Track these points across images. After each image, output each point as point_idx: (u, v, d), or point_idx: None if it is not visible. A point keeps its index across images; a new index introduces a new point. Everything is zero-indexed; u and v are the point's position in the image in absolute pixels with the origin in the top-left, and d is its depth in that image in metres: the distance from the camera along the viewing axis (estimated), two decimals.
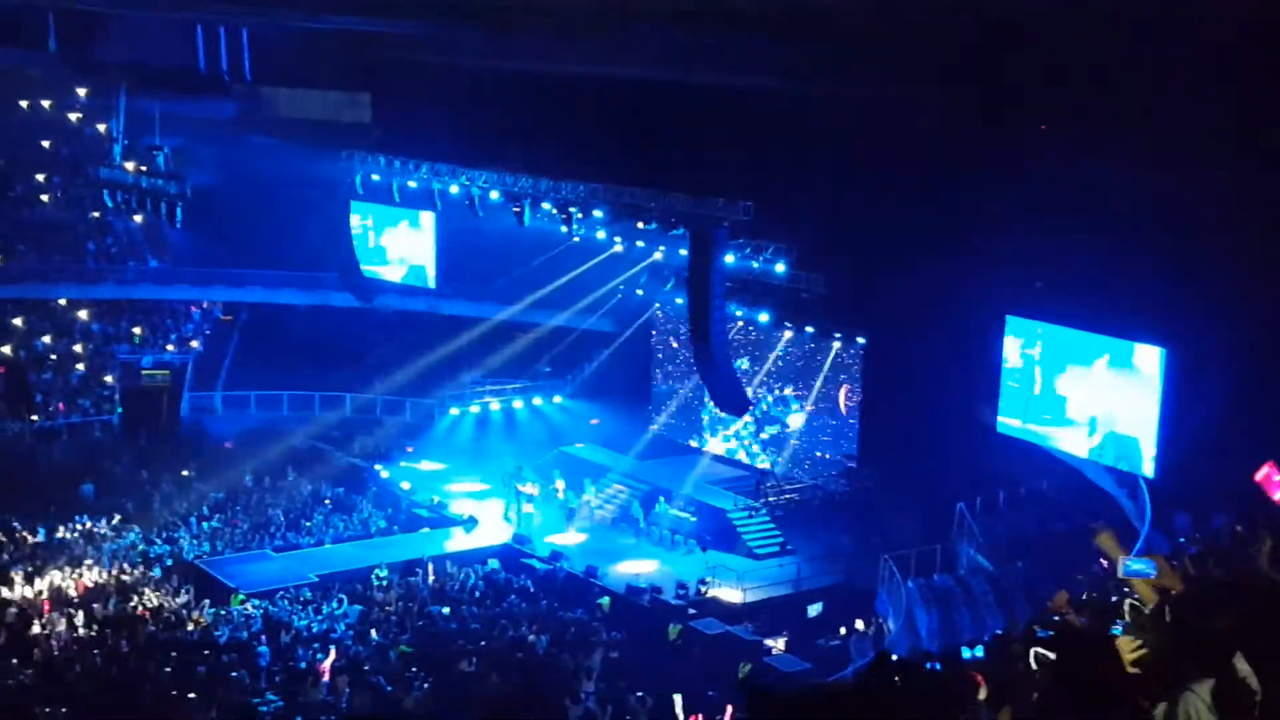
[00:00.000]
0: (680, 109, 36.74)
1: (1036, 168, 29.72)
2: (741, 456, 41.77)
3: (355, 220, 44.33)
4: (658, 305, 43.92)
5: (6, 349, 43.06)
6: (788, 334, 39.81)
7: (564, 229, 37.39)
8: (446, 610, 29.81)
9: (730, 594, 32.92)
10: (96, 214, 45.82)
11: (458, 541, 35.84)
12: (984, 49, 29.68)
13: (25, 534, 33.36)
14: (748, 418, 40.31)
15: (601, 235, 39.36)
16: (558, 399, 45.78)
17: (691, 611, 31.88)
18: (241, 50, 47.23)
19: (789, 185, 35.09)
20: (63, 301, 45.25)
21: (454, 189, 39.62)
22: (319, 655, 26.20)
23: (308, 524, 36.19)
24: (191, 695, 23.79)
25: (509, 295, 44.36)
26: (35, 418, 41.49)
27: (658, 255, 40.78)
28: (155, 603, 29.26)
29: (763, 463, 40.76)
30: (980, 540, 30.60)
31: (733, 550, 35.72)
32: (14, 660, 25.16)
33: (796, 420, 40.22)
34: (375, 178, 41.64)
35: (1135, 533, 27.10)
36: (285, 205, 42.63)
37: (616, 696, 24.97)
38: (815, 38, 30.90)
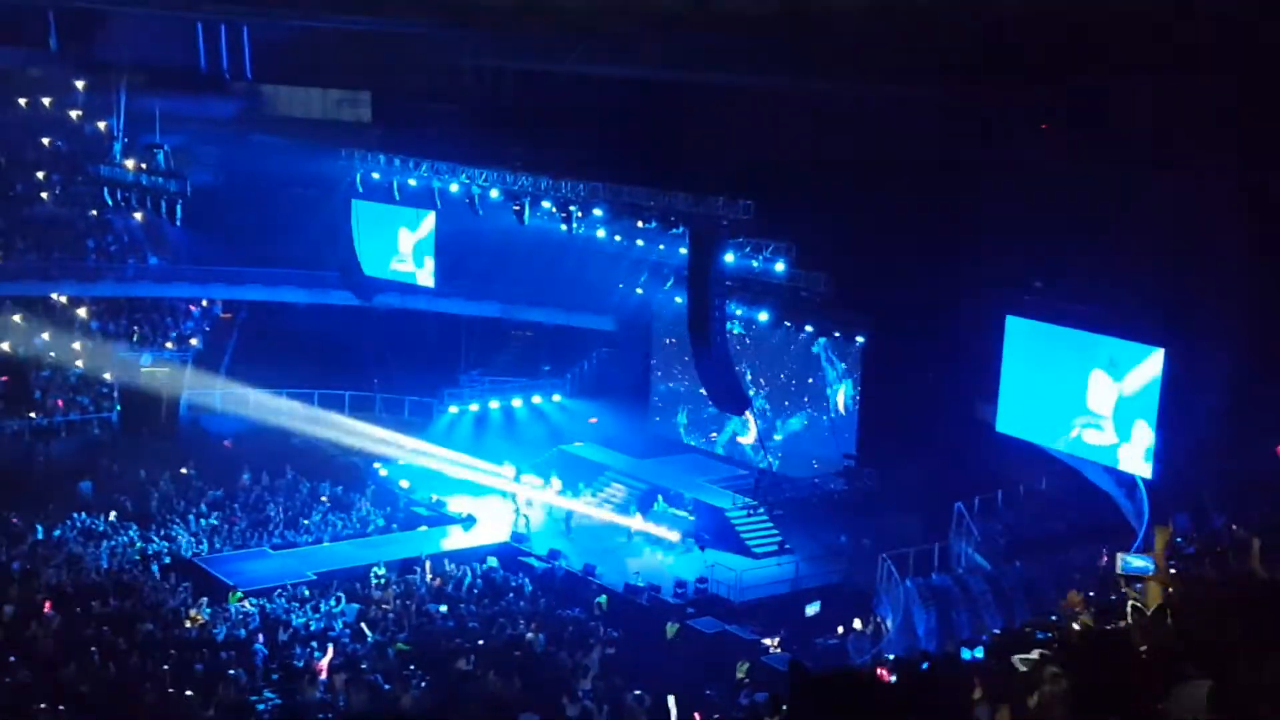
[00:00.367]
0: (680, 108, 36.80)
1: (1036, 168, 29.73)
2: (740, 455, 41.75)
3: (355, 218, 44.30)
4: (660, 311, 43.86)
5: (6, 346, 43.03)
6: (787, 333, 39.79)
7: (564, 228, 37.38)
8: (444, 608, 29.80)
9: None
10: (96, 212, 45.79)
11: (456, 540, 35.83)
12: (984, 47, 29.69)
13: (23, 531, 33.34)
14: (747, 416, 40.26)
15: (601, 234, 39.36)
16: (557, 397, 45.76)
17: (690, 610, 31.89)
18: (242, 49, 47.32)
19: (789, 184, 35.11)
20: (62, 299, 45.22)
21: (454, 187, 39.63)
22: (317, 653, 26.21)
23: (306, 522, 36.17)
24: (189, 693, 23.79)
25: (508, 294, 44.35)
26: (34, 415, 41.47)
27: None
28: (153, 600, 29.23)
29: (761, 462, 40.73)
30: (978, 540, 30.57)
31: (731, 549, 35.73)
32: (11, 658, 25.13)
33: (795, 419, 40.21)
34: (375, 176, 41.64)
35: (1134, 532, 27.10)
36: (285, 204, 42.63)
37: (614, 695, 24.97)
38: (815, 38, 30.92)
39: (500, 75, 41.87)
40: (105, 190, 40.42)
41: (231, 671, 25.13)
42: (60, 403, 42.30)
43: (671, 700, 20.35)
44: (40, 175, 47.20)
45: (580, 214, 37.06)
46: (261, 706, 24.16)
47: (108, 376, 43.57)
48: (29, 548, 32.38)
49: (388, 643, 27.39)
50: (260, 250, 44.30)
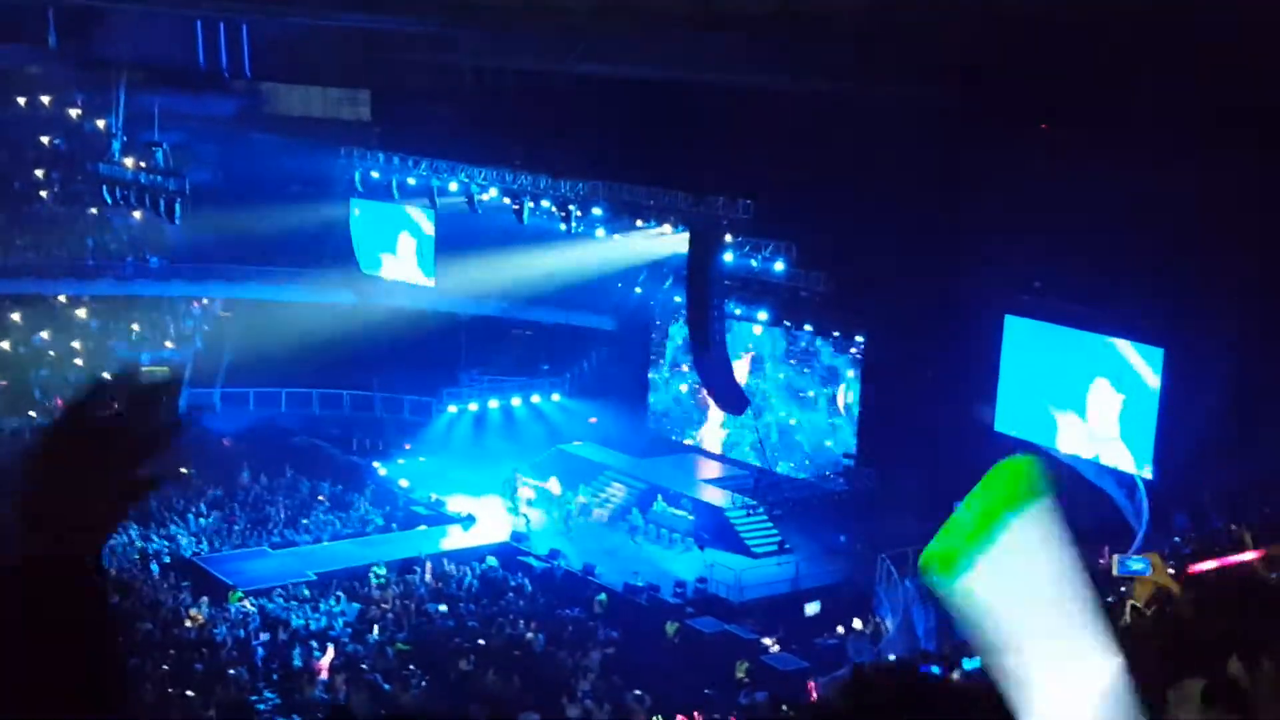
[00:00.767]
0: (680, 107, 36.71)
1: (1036, 168, 29.71)
2: (739, 455, 41.73)
3: (353, 217, 44.30)
4: (659, 310, 43.86)
5: (5, 344, 43.01)
6: (787, 332, 39.80)
7: (563, 227, 37.38)
8: (444, 608, 29.81)
9: None
10: (95, 210, 45.78)
11: (455, 539, 35.83)
12: (985, 47, 29.66)
13: None
14: (747, 416, 40.25)
15: (600, 233, 39.34)
16: (556, 397, 45.75)
17: (689, 610, 31.90)
18: (241, 47, 47.17)
19: (788, 184, 35.10)
20: (62, 298, 45.21)
21: (453, 186, 39.62)
22: (316, 653, 26.22)
23: (306, 521, 36.16)
24: (189, 693, 23.81)
25: (506, 293, 44.30)
26: (33, 414, 41.43)
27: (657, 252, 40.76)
28: (152, 600, 29.22)
29: (761, 462, 40.73)
30: None
31: (730, 549, 35.73)
32: None
33: (795, 419, 40.20)
34: (375, 175, 41.64)
35: (1133, 532, 27.11)
36: (284, 202, 42.61)
37: (614, 695, 25.00)
38: (816, 37, 30.90)
39: (500, 74, 41.78)
40: (104, 188, 40.40)
41: (231, 671, 25.16)
42: (59, 401, 42.26)
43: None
44: (39, 173, 47.20)
45: (579, 213, 37.06)
46: (262, 706, 24.19)
47: (107, 375, 43.44)
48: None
49: (387, 642, 27.42)
50: (259, 249, 44.27)
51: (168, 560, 32.57)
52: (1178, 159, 26.45)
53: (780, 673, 27.76)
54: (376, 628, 28.28)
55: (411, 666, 26.12)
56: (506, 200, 39.06)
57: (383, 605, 29.85)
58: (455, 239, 41.95)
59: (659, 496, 38.03)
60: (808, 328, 38.80)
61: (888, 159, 32.98)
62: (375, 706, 23.94)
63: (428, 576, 31.87)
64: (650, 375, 44.61)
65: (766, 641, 29.72)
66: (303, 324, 44.04)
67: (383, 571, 31.68)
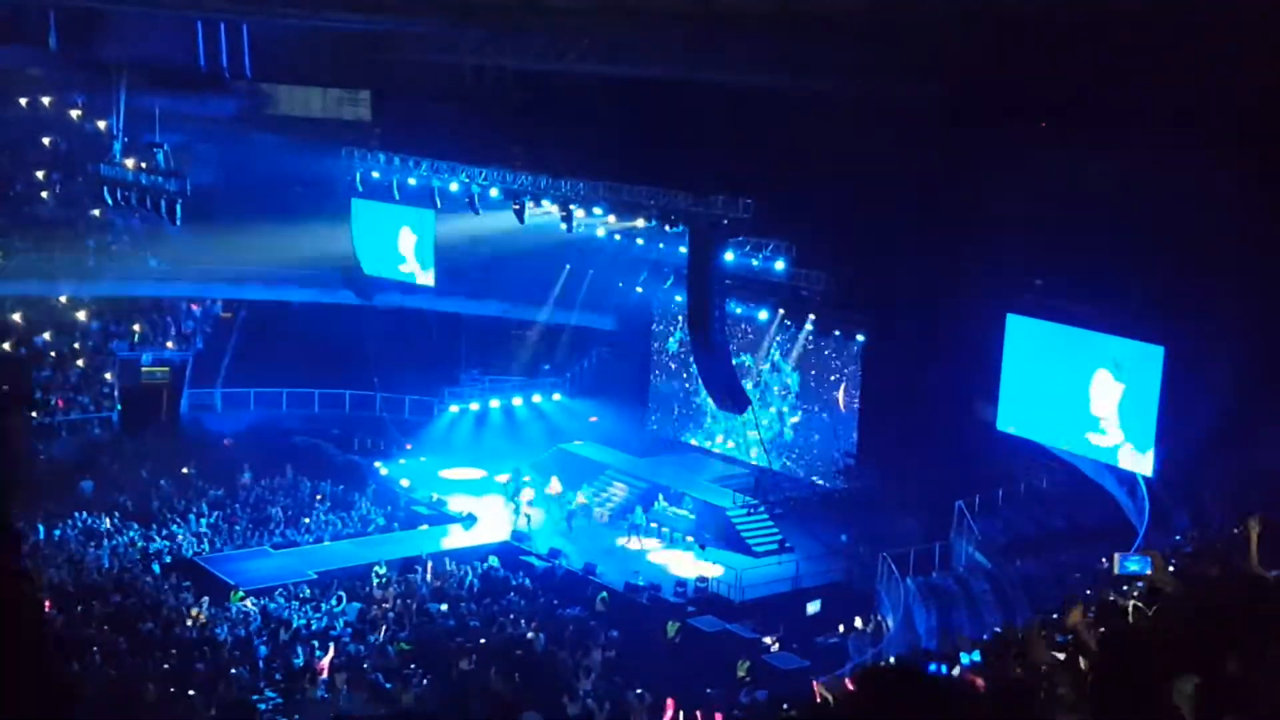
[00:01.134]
0: (680, 106, 36.71)
1: (1037, 166, 29.69)
2: (740, 454, 41.74)
3: (355, 217, 44.31)
4: (660, 310, 43.87)
5: (6, 345, 43.02)
6: (787, 331, 39.81)
7: (563, 226, 37.38)
8: (445, 608, 29.83)
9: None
10: (97, 211, 45.76)
11: (456, 539, 35.86)
12: (985, 47, 29.66)
13: (25, 530, 33.37)
14: (748, 415, 40.25)
15: (601, 233, 39.35)
16: (557, 396, 45.77)
17: (690, 609, 31.92)
18: (242, 47, 47.13)
19: (789, 183, 35.09)
20: (63, 299, 45.21)
21: (454, 186, 39.61)
22: (318, 652, 26.24)
23: (307, 521, 36.20)
24: (191, 693, 23.84)
25: (507, 293, 44.33)
26: (35, 414, 41.45)
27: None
28: (154, 600, 29.24)
29: (761, 460, 40.75)
30: (979, 538, 30.61)
31: (732, 548, 35.75)
32: None
33: (795, 418, 40.22)
34: (375, 175, 41.63)
35: (1134, 531, 27.13)
36: (285, 202, 42.59)
37: (615, 694, 25.02)
38: (816, 37, 30.89)
39: (500, 74, 41.79)
40: (105, 189, 40.38)
41: (233, 671, 25.19)
42: (61, 402, 42.30)
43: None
44: (40, 175, 47.19)
45: (580, 212, 37.06)
46: (263, 706, 24.21)
47: (108, 376, 43.58)
48: (30, 547, 32.39)
49: (389, 642, 27.44)
50: (260, 250, 44.27)
51: (169, 560, 32.64)
52: (1178, 157, 26.46)
53: (781, 671, 27.80)
54: (377, 627, 28.29)
55: (412, 666, 26.13)
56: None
57: (384, 605, 29.88)
58: (456, 238, 41.99)
59: (660, 495, 38.05)
60: (809, 326, 38.82)
61: (888, 158, 32.98)
62: (376, 706, 23.97)
63: (429, 576, 31.89)
64: (652, 375, 44.62)
65: (767, 640, 29.75)
66: (303, 324, 44.08)
67: (384, 571, 31.72)
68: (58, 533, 33.50)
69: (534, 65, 38.07)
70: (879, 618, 29.95)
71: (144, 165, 39.40)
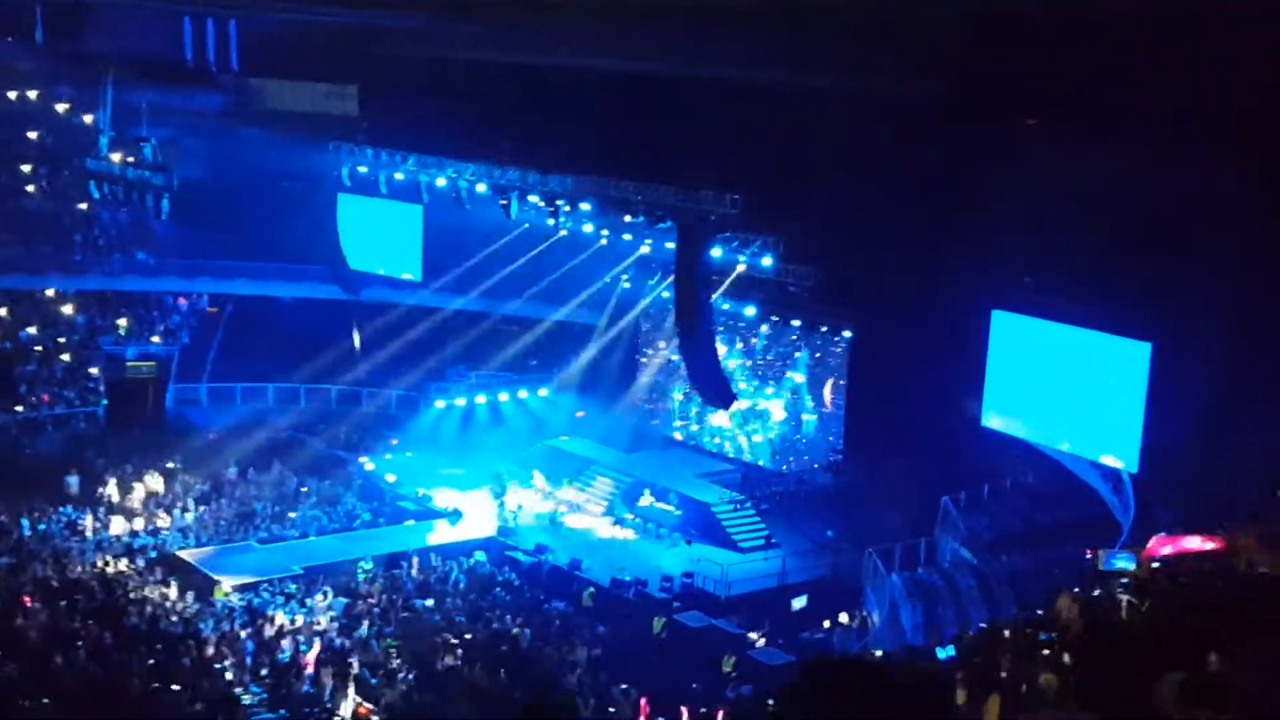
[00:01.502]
0: (668, 102, 36.74)
1: (1025, 163, 29.76)
2: (727, 450, 41.78)
3: (341, 212, 44.27)
4: (645, 300, 43.88)
5: None
6: (774, 327, 39.86)
7: (551, 221, 37.36)
8: (430, 603, 29.80)
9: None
10: (83, 205, 45.68)
11: (442, 534, 35.82)
12: (974, 45, 29.71)
13: (9, 525, 33.25)
14: (735, 407, 40.25)
15: (589, 228, 39.33)
16: (543, 392, 45.74)
17: (676, 605, 31.93)
18: (229, 42, 47.15)
19: (777, 179, 35.11)
20: (49, 292, 45.10)
21: (441, 181, 39.56)
22: (303, 647, 26.20)
23: (292, 516, 36.12)
24: (175, 687, 23.77)
25: (494, 288, 44.30)
26: (20, 409, 41.35)
27: (644, 248, 40.85)
28: (139, 594, 29.17)
29: (748, 456, 40.79)
30: (965, 534, 30.65)
31: (718, 543, 35.78)
32: None
33: (781, 414, 40.25)
34: (363, 170, 41.58)
35: (1119, 527, 27.19)
36: (272, 197, 42.55)
37: (600, 689, 25.02)
38: (807, 31, 30.94)
39: (488, 68, 41.76)
40: (92, 184, 40.33)
41: (218, 665, 25.15)
42: (46, 397, 42.20)
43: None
44: (27, 168, 47.06)
45: (568, 208, 37.05)
46: (247, 700, 24.16)
47: (94, 371, 43.47)
48: (15, 542, 32.29)
49: (374, 636, 27.40)
50: (247, 244, 44.24)
51: (154, 555, 32.50)
52: (1166, 155, 26.52)
53: (766, 667, 27.80)
54: (363, 622, 28.25)
55: (398, 661, 26.10)
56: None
57: (369, 600, 29.83)
58: (443, 234, 41.99)
59: (646, 491, 38.05)
60: (795, 322, 38.87)
61: (877, 155, 33.02)
62: (362, 699, 23.94)
63: (414, 571, 31.85)
64: (639, 370, 44.63)
65: (753, 636, 29.78)
66: (290, 319, 44.03)
67: (369, 566, 31.67)
68: (43, 527, 33.38)
69: (522, 59, 38.10)
70: (865, 613, 29.98)
71: (131, 160, 39.33)
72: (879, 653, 23.69)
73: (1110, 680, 5.55)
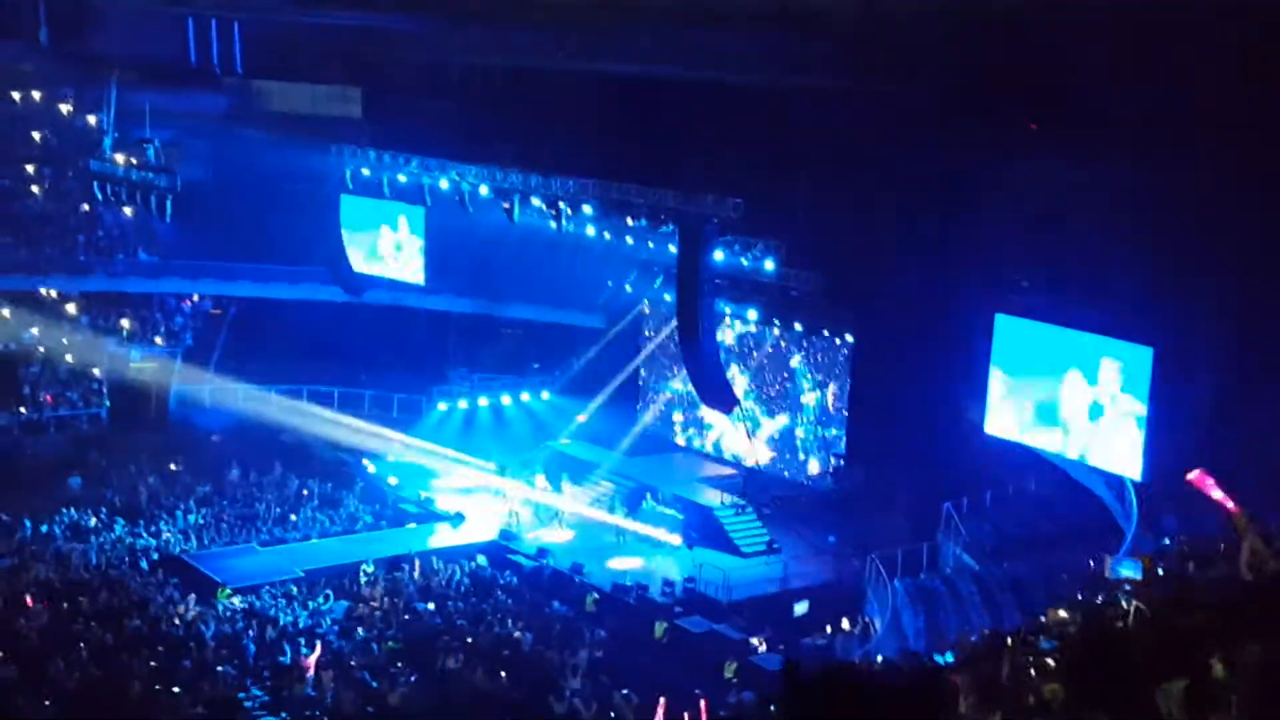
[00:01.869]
0: (671, 105, 36.75)
1: (1026, 167, 29.74)
2: (729, 454, 41.76)
3: (344, 214, 44.24)
4: (646, 301, 43.91)
5: None
6: (776, 331, 39.84)
7: (553, 225, 37.34)
8: (432, 606, 29.79)
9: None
10: (86, 206, 45.71)
11: (444, 537, 35.82)
12: (974, 48, 29.67)
13: (12, 526, 33.28)
14: (737, 414, 40.23)
15: (591, 231, 39.31)
16: (546, 395, 45.73)
17: (678, 609, 31.90)
18: (233, 44, 47.23)
19: (779, 182, 35.11)
20: (52, 294, 45.11)
21: (444, 184, 39.54)
22: (304, 650, 26.19)
23: (294, 518, 36.13)
24: (176, 690, 23.77)
25: (497, 291, 44.30)
26: (22, 410, 41.37)
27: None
28: (141, 597, 29.17)
29: (750, 461, 40.76)
30: (967, 540, 30.61)
31: (719, 548, 35.74)
32: None
33: (784, 418, 40.24)
34: (365, 172, 41.53)
35: (1123, 533, 27.15)
36: (275, 199, 42.53)
37: (602, 694, 24.99)
38: (807, 35, 30.90)
39: (490, 71, 41.82)
40: (95, 185, 40.37)
41: (219, 668, 25.14)
42: (49, 398, 42.22)
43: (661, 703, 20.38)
44: (30, 169, 47.09)
45: (570, 211, 37.01)
46: (249, 704, 24.16)
47: (97, 372, 43.49)
48: (17, 543, 32.31)
49: (376, 639, 27.40)
50: (250, 246, 44.23)
51: (156, 557, 32.52)
52: (1169, 158, 26.50)
53: (768, 673, 27.75)
54: (364, 625, 28.24)
55: (399, 664, 26.10)
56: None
57: (371, 603, 29.83)
58: (445, 236, 41.96)
59: (648, 495, 38.03)
60: (797, 326, 38.86)
61: (878, 158, 33.03)
62: (363, 704, 23.93)
63: (416, 574, 31.85)
64: (640, 374, 44.63)
65: (754, 641, 29.74)
66: (293, 321, 44.02)
67: (371, 569, 31.68)
68: (45, 528, 33.39)
69: (524, 62, 38.10)
70: (866, 619, 29.95)
71: (134, 161, 39.38)
72: (880, 658, 23.67)
73: (1111, 686, 5.53)
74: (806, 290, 36.04)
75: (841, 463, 37.93)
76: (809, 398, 39.44)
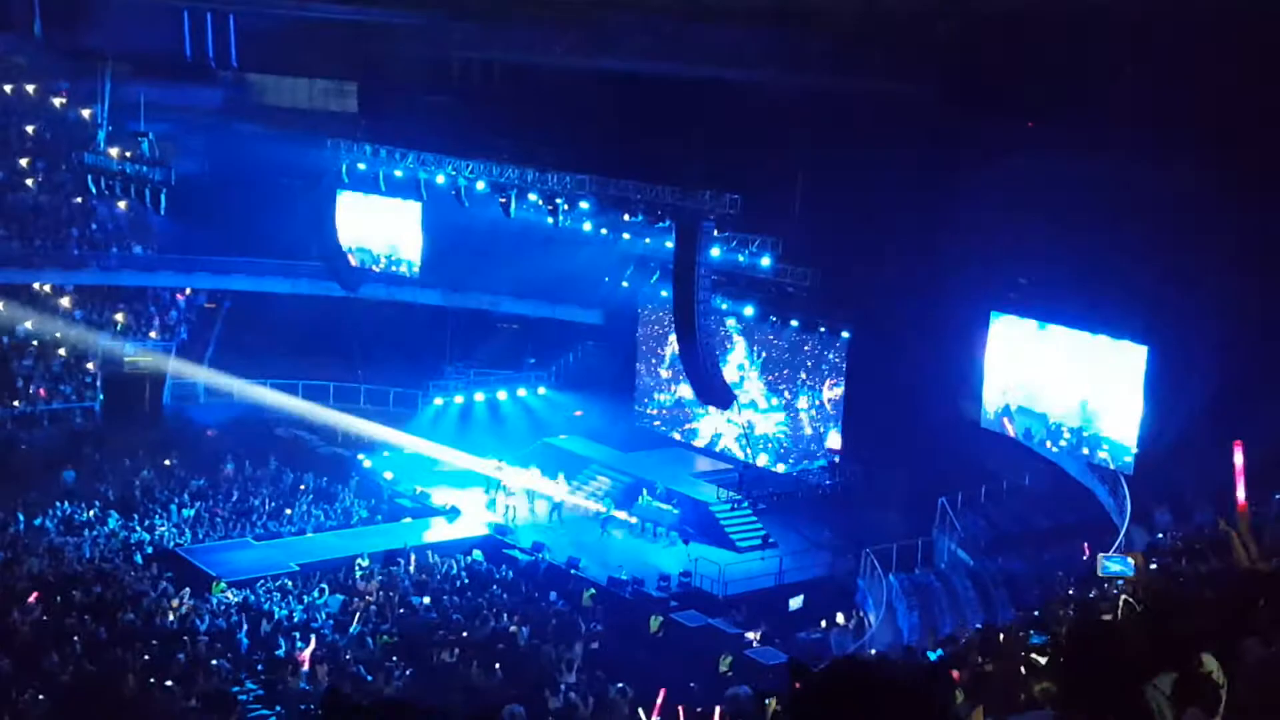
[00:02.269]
0: (668, 101, 36.74)
1: (1022, 164, 29.75)
2: (725, 449, 41.77)
3: (340, 208, 44.22)
4: (646, 304, 43.84)
5: None
6: (772, 327, 39.84)
7: (550, 220, 37.33)
8: (427, 600, 29.78)
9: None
10: (80, 200, 45.61)
11: (440, 531, 35.81)
12: (970, 44, 29.71)
13: (5, 520, 33.22)
14: (732, 410, 40.25)
15: (588, 227, 39.30)
16: (542, 390, 45.71)
17: (673, 604, 31.91)
18: (228, 37, 47.18)
19: (776, 179, 35.12)
20: (46, 287, 45.04)
21: (440, 179, 39.52)
22: (299, 644, 26.16)
23: (289, 513, 36.10)
24: (170, 683, 23.73)
25: (494, 286, 44.28)
26: (16, 404, 41.31)
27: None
28: (135, 590, 29.13)
29: (746, 456, 40.77)
30: (962, 535, 30.67)
31: (715, 543, 35.77)
32: None
33: (780, 414, 40.25)
34: (361, 166, 41.51)
35: (1116, 529, 27.19)
36: (270, 193, 42.49)
37: (597, 688, 24.98)
38: (803, 31, 30.93)
39: (488, 67, 41.80)
40: (89, 178, 40.26)
41: (214, 662, 25.09)
42: (43, 391, 42.14)
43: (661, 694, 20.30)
44: (24, 162, 46.98)
45: (567, 206, 37.00)
46: (243, 697, 24.14)
47: (91, 365, 43.42)
48: (10, 537, 32.26)
49: (371, 633, 27.38)
50: (245, 240, 44.18)
51: (150, 551, 32.46)
52: (1165, 156, 26.53)
53: (763, 666, 27.76)
54: (359, 619, 28.22)
55: (394, 658, 26.09)
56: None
57: (366, 597, 29.80)
58: (441, 231, 41.95)
59: (644, 490, 38.03)
60: (794, 323, 38.86)
61: (875, 155, 33.03)
62: (358, 697, 23.90)
63: (411, 568, 31.83)
64: (637, 370, 44.61)
65: (750, 636, 29.76)
66: (288, 315, 43.97)
67: (366, 563, 31.65)
68: (39, 522, 33.35)
69: (521, 57, 38.08)
70: (861, 613, 30.00)
71: (128, 154, 39.30)
72: (873, 651, 23.71)
73: (1102, 682, 5.53)
74: (803, 286, 36.04)
75: (837, 458, 37.94)
76: (804, 394, 39.44)
